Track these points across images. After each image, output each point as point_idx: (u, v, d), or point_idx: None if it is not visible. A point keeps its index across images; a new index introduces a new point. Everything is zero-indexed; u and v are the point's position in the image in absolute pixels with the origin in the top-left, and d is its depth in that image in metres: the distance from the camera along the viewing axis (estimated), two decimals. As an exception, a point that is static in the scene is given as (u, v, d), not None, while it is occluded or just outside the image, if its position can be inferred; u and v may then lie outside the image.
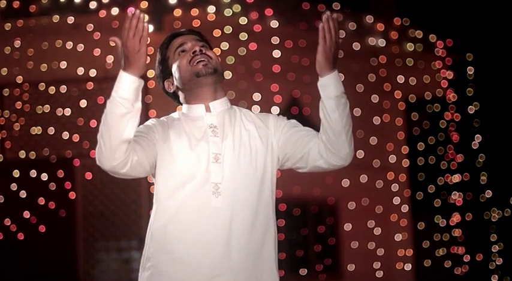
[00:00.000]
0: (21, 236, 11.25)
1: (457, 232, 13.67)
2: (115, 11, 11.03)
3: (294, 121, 3.32)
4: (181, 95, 3.33)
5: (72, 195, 11.37)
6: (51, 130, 11.44)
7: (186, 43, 3.29)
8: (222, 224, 3.10)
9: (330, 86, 3.15)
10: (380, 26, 13.44)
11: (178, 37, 3.33)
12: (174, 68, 3.29)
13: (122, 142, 3.03)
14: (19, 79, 11.48)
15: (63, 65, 11.36)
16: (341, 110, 3.14)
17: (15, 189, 11.27)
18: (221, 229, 3.10)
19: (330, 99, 3.15)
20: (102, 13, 11.12)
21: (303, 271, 12.91)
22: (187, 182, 3.14)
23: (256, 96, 11.83)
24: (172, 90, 3.35)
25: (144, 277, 3.16)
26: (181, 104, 3.34)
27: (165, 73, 3.34)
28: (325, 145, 3.17)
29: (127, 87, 3.02)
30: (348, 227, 13.24)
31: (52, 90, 11.49)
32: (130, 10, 3.02)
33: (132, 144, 3.08)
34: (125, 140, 3.03)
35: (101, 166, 3.08)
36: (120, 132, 3.01)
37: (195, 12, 11.26)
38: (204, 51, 3.26)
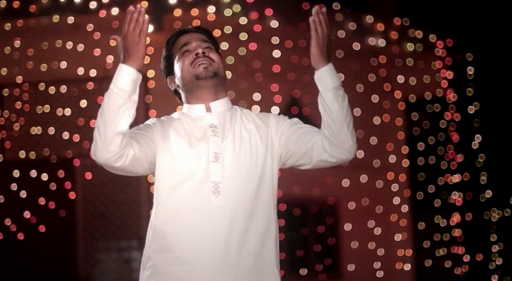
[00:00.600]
0: (21, 236, 11.24)
1: (457, 232, 13.67)
2: (115, 11, 11.03)
3: (296, 119, 3.33)
4: (182, 93, 3.34)
5: (72, 195, 11.37)
6: (51, 130, 11.44)
7: (191, 43, 3.30)
8: (221, 224, 3.11)
9: (326, 78, 3.17)
10: (380, 26, 13.44)
11: (184, 35, 3.34)
12: (176, 67, 3.30)
13: (116, 133, 3.05)
14: (19, 79, 11.48)
15: (63, 65, 11.36)
16: (340, 101, 3.16)
17: (15, 189, 11.27)
18: (221, 228, 3.10)
19: (328, 91, 3.16)
20: (102, 13, 11.12)
21: (303, 271, 12.91)
22: (186, 181, 3.14)
23: (256, 96, 11.83)
24: (173, 88, 3.36)
25: (144, 276, 3.17)
26: (183, 102, 3.36)
27: (169, 69, 3.36)
28: (328, 139, 3.17)
29: (125, 78, 3.07)
30: (348, 227, 13.25)
31: (52, 90, 11.48)
32: (131, 8, 3.07)
33: (129, 139, 3.10)
34: (119, 131, 3.06)
35: (95, 160, 3.11)
36: (115, 124, 3.04)
37: (195, 12, 11.26)
38: (207, 54, 3.27)
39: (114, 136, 3.05)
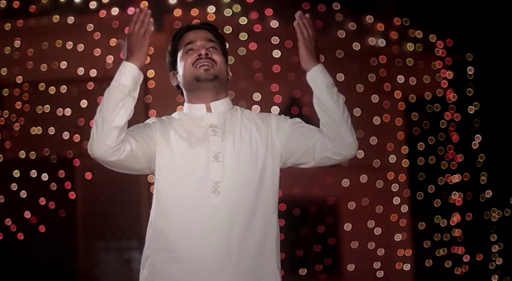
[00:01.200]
0: (21, 236, 11.24)
1: (457, 232, 13.66)
2: (115, 11, 11.03)
3: (297, 119, 3.34)
4: (184, 91, 3.36)
5: (72, 195, 11.36)
6: (51, 130, 11.44)
7: (196, 41, 3.32)
8: (221, 223, 3.11)
9: (318, 77, 3.22)
10: (380, 26, 13.43)
11: (191, 31, 3.36)
12: (179, 65, 3.32)
13: (113, 127, 3.09)
14: (19, 79, 11.48)
15: (63, 65, 11.36)
16: (335, 98, 3.20)
17: (15, 189, 11.27)
18: (221, 228, 3.10)
19: (322, 89, 3.20)
20: (102, 13, 11.12)
21: (303, 271, 12.91)
22: (186, 180, 3.15)
23: (256, 96, 11.83)
24: (175, 84, 3.38)
25: (144, 275, 3.17)
26: (184, 98, 3.38)
27: (172, 65, 3.39)
28: (328, 137, 3.19)
29: (127, 75, 3.12)
30: (348, 227, 13.24)
31: (52, 90, 11.48)
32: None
33: (126, 136, 3.13)
34: (116, 125, 3.09)
35: (91, 154, 3.16)
36: (112, 118, 3.09)
37: (195, 12, 11.26)
38: (209, 55, 3.28)
39: (111, 130, 3.09)
